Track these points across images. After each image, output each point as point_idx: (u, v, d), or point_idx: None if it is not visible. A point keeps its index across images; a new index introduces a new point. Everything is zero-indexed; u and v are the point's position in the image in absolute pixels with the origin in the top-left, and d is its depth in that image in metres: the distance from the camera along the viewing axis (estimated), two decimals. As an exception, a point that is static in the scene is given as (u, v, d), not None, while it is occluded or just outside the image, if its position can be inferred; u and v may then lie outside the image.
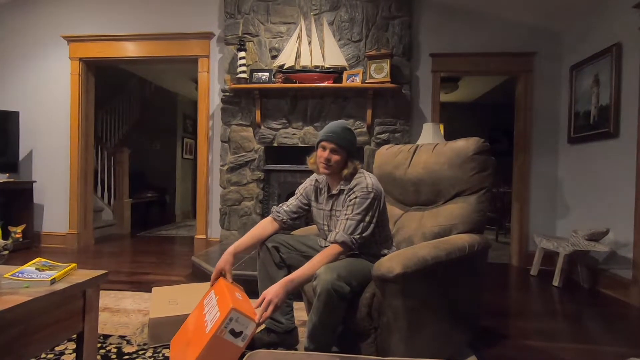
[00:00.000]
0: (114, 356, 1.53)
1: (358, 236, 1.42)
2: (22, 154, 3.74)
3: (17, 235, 3.56)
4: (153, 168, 5.83)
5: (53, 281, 1.09)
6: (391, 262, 1.27)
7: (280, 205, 1.73)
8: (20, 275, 1.11)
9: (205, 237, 3.61)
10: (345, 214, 1.46)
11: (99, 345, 1.62)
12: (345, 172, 1.53)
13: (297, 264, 1.51)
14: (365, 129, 3.25)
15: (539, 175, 3.28)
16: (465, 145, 1.65)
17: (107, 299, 2.22)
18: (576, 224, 2.91)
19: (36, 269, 1.16)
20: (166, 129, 5.93)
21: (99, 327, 1.79)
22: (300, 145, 3.32)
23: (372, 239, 1.51)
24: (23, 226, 3.55)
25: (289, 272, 1.62)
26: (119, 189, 4.65)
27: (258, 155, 3.39)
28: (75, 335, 1.17)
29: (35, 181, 3.70)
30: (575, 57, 3.05)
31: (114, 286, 2.47)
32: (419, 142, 2.97)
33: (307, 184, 1.73)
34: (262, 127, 3.36)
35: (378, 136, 3.25)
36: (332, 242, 1.44)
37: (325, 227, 1.63)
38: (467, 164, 1.60)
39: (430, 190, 1.73)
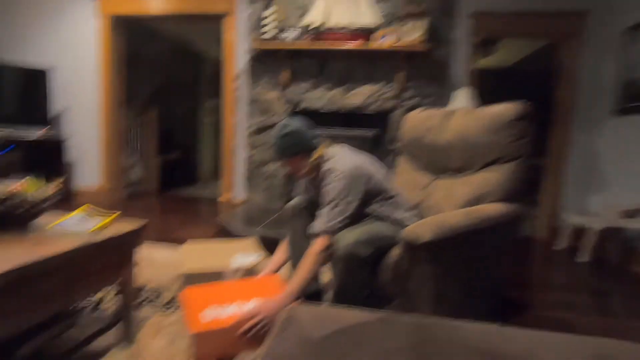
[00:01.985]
0: (148, 304, 1.63)
1: (336, 222, 1.37)
2: (56, 110, 3.84)
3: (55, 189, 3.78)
4: (178, 128, 5.92)
5: (97, 230, 1.14)
6: (421, 229, 1.26)
7: None
8: (66, 223, 1.17)
9: (229, 198, 3.70)
10: (322, 205, 1.43)
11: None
12: (312, 161, 1.48)
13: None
14: (394, 93, 3.14)
15: (577, 148, 3.12)
16: (505, 110, 1.56)
17: (140, 252, 2.34)
18: (612, 200, 2.79)
19: (82, 216, 1.21)
20: (191, 89, 5.94)
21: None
22: (327, 110, 3.26)
23: (374, 208, 1.49)
24: (58, 180, 3.76)
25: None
26: (147, 147, 4.76)
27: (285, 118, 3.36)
28: (116, 284, 1.24)
29: (67, 138, 3.83)
30: (631, 18, 2.78)
31: (147, 240, 2.59)
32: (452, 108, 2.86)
33: (297, 186, 1.76)
34: (289, 89, 3.30)
35: (408, 101, 3.14)
36: (312, 234, 1.41)
37: None
38: (506, 130, 1.53)
39: (464, 157, 1.68)
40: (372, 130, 3.14)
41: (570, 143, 3.13)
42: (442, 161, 1.79)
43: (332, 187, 1.40)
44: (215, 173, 6.08)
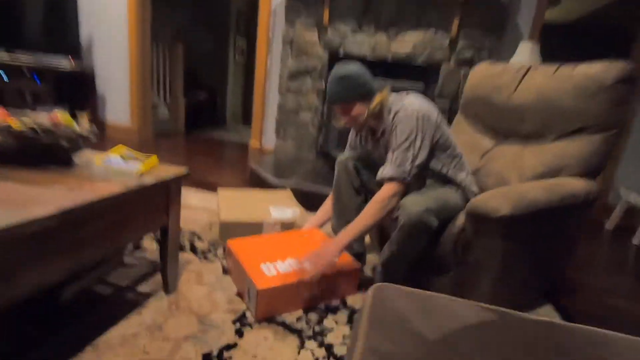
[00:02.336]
0: (188, 249, 1.59)
1: (409, 166, 1.25)
2: (83, 40, 3.67)
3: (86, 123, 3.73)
4: (204, 68, 5.68)
5: (141, 173, 1.04)
6: (497, 201, 1.11)
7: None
8: (108, 163, 1.07)
9: (259, 145, 3.58)
10: (391, 147, 1.29)
11: (172, 237, 1.68)
12: (373, 108, 1.31)
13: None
14: (445, 43, 2.83)
15: (644, 119, 2.81)
16: (602, 70, 1.33)
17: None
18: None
19: (121, 158, 1.12)
20: (219, 26, 5.60)
21: (171, 220, 1.85)
22: (369, 58, 2.98)
23: (441, 164, 1.35)
24: (89, 114, 3.69)
25: (367, 201, 1.52)
26: (173, 86, 4.61)
27: (322, 64, 3.11)
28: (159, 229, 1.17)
29: (95, 69, 3.69)
30: None
31: (178, 182, 2.54)
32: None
33: (351, 136, 1.59)
34: (329, 29, 3.02)
35: (461, 52, 2.83)
36: (380, 180, 1.30)
37: None
38: (602, 94, 1.31)
39: (540, 121, 1.48)
40: (420, 84, 2.88)
41: (635, 113, 2.81)
42: (510, 125, 1.59)
43: (402, 128, 1.26)
44: (243, 117, 5.94)
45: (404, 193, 1.28)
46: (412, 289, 0.75)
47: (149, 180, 1.02)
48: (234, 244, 1.40)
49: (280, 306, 1.22)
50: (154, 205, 1.09)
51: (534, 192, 1.16)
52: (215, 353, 1.02)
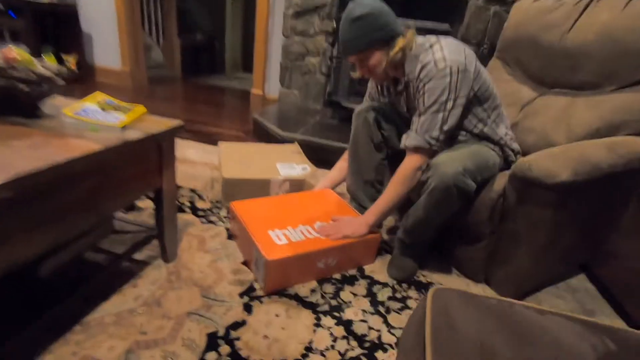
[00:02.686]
0: (187, 209, 1.44)
1: (437, 132, 1.06)
2: (61, -32, 3.24)
3: (72, 65, 3.42)
4: (200, 8, 5.19)
5: (124, 127, 0.85)
6: (553, 164, 0.93)
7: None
8: (84, 113, 0.88)
9: (262, 93, 3.32)
10: (418, 108, 1.10)
11: (170, 195, 1.53)
12: (394, 55, 1.09)
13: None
14: (477, -25, 2.45)
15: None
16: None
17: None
18: None
19: (100, 107, 0.92)
20: (215, -44, 5.01)
21: (168, 177, 1.69)
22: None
23: (476, 120, 1.15)
24: (75, 56, 3.38)
25: (388, 158, 1.34)
26: (166, 24, 4.21)
27: (331, 0, 2.75)
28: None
29: (78, 3, 3.31)
30: None
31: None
32: None
33: (370, 87, 1.37)
34: (342, -41, 2.62)
35: (493, -13, 2.47)
36: (403, 149, 1.12)
37: None
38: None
39: (599, 67, 1.24)
40: (446, 25, 2.55)
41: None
42: (560, 71, 1.36)
43: (431, 88, 1.04)
44: (243, 63, 5.54)
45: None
46: (482, 296, 0.59)
47: (134, 135, 0.83)
48: (239, 207, 1.25)
49: (292, 278, 1.09)
50: (142, 165, 0.91)
51: (597, 154, 0.97)
52: (221, 332, 0.90)
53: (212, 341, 0.88)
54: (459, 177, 1.00)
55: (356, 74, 1.21)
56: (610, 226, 1.30)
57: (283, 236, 1.12)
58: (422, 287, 1.19)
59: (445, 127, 1.06)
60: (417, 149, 1.09)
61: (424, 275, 1.25)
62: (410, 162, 1.11)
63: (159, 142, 0.94)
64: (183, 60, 4.38)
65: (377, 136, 1.28)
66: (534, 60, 1.44)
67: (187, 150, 2.08)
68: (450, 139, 1.12)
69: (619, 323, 1.15)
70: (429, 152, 1.09)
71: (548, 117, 1.35)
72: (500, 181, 1.10)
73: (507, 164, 1.21)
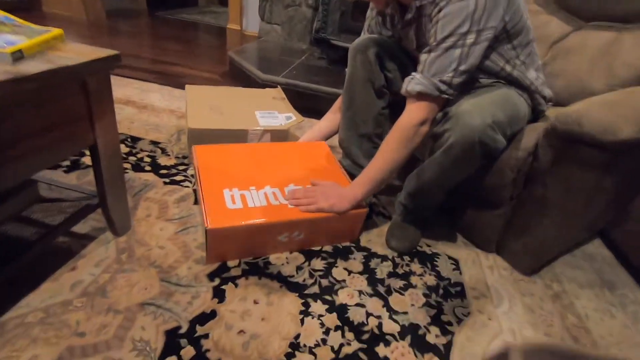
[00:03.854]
0: (147, 167, 1.20)
1: (450, 75, 0.80)
2: None
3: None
4: None
5: (18, 54, 0.57)
6: (612, 117, 0.72)
7: None
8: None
9: (239, 28, 2.91)
10: (429, 45, 0.82)
11: (127, 150, 1.27)
12: None
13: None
14: None
15: None
16: None
17: (129, 89, 1.79)
18: None
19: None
20: None
21: (125, 126, 1.41)
22: None
23: (504, 61, 0.90)
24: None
25: (389, 105, 1.09)
26: (125, -55, 3.57)
27: None
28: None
29: None
30: None
31: (137, 74, 2.00)
32: None
33: (369, 18, 1.08)
34: None
35: None
36: (405, 95, 0.87)
37: None
38: None
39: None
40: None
41: None
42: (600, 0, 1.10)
43: (450, 12, 0.77)
44: (217, -6, 4.92)
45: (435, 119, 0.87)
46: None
47: (33, 67, 0.56)
48: (201, 153, 1.03)
49: (243, 251, 0.90)
50: (59, 113, 0.65)
51: (665, 104, 0.76)
52: (184, 328, 0.72)
53: (172, 341, 0.69)
54: (486, 132, 0.78)
55: None
56: (637, 188, 1.13)
57: (240, 198, 0.90)
58: (427, 260, 1.02)
59: (462, 68, 0.80)
60: (422, 97, 0.84)
61: (428, 245, 1.08)
62: (412, 115, 0.85)
63: (83, 80, 0.66)
64: (147, -10, 3.81)
65: (379, 78, 1.02)
66: (571, -15, 1.16)
67: (150, 95, 1.77)
68: (465, 85, 0.87)
69: (641, 296, 1.03)
70: (438, 101, 0.84)
71: (584, 58, 1.11)
72: (530, 137, 0.89)
73: (534, 114, 0.99)
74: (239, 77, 2.09)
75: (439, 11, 0.79)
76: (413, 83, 0.84)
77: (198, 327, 0.72)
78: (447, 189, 0.95)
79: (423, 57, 0.84)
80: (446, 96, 0.83)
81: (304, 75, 1.97)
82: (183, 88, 1.85)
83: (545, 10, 1.25)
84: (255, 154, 1.08)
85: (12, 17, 0.69)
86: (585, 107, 0.76)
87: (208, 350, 0.69)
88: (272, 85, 1.81)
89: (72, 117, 0.67)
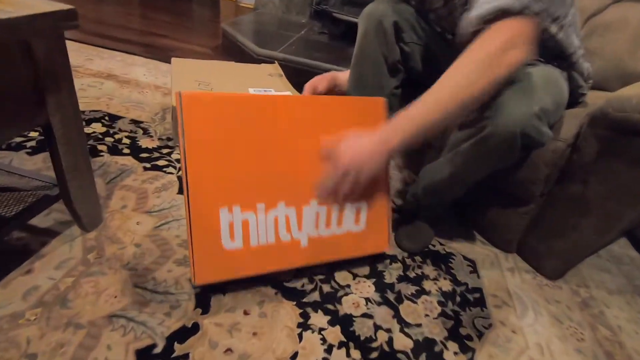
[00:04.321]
0: (126, 149, 1.06)
1: None
2: None
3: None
4: None
5: None
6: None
7: None
8: None
9: (234, -1, 2.70)
10: None
11: (104, 129, 1.12)
12: None
13: (429, 72, 0.83)
14: None
15: None
16: None
17: (112, 62, 1.63)
18: None
19: None
20: None
21: (103, 103, 1.26)
22: None
23: (554, 19, 0.72)
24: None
25: (401, 85, 0.95)
26: None
27: None
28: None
29: None
30: None
31: (120, 46, 1.83)
32: None
33: None
34: None
35: None
36: (476, 20, 0.62)
37: (450, 36, 0.87)
38: None
39: None
40: None
41: None
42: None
43: None
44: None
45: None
46: None
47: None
48: (192, 114, 0.61)
49: (239, 270, 0.69)
50: (8, 74, 0.51)
51: None
52: (160, 347, 0.60)
53: (145, 363, 0.57)
54: (532, 122, 0.64)
55: None
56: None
57: (240, 229, 0.66)
58: (441, 261, 0.91)
59: None
60: (501, 15, 0.58)
61: (441, 244, 0.96)
62: (493, 37, 0.58)
63: (27, 43, 0.52)
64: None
65: (394, 51, 0.88)
66: (618, -53, 1.01)
67: (134, 69, 1.60)
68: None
69: (673, 303, 0.93)
70: (524, 24, 0.58)
71: (625, 35, 0.97)
72: (571, 125, 0.76)
73: (571, 97, 0.86)
74: (233, 52, 1.92)
75: None
76: (481, 5, 0.60)
77: (176, 346, 0.61)
78: (471, 185, 0.83)
79: None
80: (533, 14, 0.59)
81: (303, 50, 1.81)
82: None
83: (580, -21, 1.10)
84: (274, 119, 0.67)
85: None
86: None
87: (188, 374, 0.57)
88: (269, 61, 1.65)
89: (13, 89, 0.53)
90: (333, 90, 0.94)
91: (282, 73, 1.41)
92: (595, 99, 0.83)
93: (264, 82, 1.29)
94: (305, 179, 0.70)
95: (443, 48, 0.88)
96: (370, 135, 0.63)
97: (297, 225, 0.70)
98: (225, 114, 0.63)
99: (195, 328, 0.64)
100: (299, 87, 1.34)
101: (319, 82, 0.89)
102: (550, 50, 0.77)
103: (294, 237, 0.71)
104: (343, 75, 0.95)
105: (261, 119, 0.66)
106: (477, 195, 0.96)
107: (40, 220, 0.76)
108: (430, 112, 0.60)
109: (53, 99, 0.58)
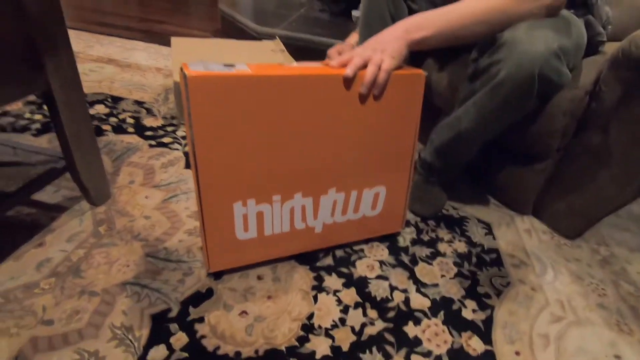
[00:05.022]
0: (130, 129, 1.05)
1: None
2: None
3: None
4: None
5: None
6: None
7: None
8: None
9: (231, -18, 2.65)
10: None
11: (107, 110, 1.11)
12: None
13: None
14: None
15: None
16: None
17: (111, 47, 1.61)
18: None
19: None
20: None
21: (105, 86, 1.25)
22: None
23: None
24: None
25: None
26: None
27: None
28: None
29: None
30: None
31: (120, 32, 1.81)
32: None
33: None
34: None
35: None
36: None
37: None
38: None
39: None
40: None
41: None
42: None
43: None
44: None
45: None
46: None
47: None
48: (201, 101, 0.51)
49: (252, 257, 0.68)
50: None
51: None
52: (175, 311, 0.59)
53: (160, 327, 0.57)
54: (550, 61, 0.61)
55: None
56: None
57: (255, 220, 0.62)
58: (455, 224, 0.89)
59: None
60: None
61: (454, 208, 0.94)
62: None
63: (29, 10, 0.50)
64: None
65: (401, 9, 0.84)
66: None
67: (134, 53, 1.59)
68: None
69: (698, 259, 0.90)
70: None
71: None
72: (589, 71, 0.73)
73: (589, 46, 0.82)
74: (233, 33, 1.89)
75: None
76: None
77: (191, 310, 0.60)
78: (485, 142, 0.80)
79: None
80: None
81: (304, 27, 1.77)
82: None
83: None
84: (295, 101, 0.56)
85: None
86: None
87: (204, 336, 0.56)
88: (269, 38, 1.62)
89: (5, 47, 0.52)
90: None
91: (284, 48, 1.38)
92: (614, 49, 0.79)
93: (267, 57, 1.27)
94: (324, 167, 0.63)
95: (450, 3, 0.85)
96: (395, 29, 0.64)
97: (313, 215, 0.68)
98: (237, 96, 0.52)
99: (209, 293, 0.63)
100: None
101: (342, 48, 0.85)
102: None
103: (309, 225, 0.69)
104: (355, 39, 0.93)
105: (283, 104, 0.55)
106: (490, 156, 0.93)
107: (49, 197, 0.76)
108: (457, 20, 0.63)
109: (51, 61, 0.57)
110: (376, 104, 0.62)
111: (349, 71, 0.55)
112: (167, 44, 1.72)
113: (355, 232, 0.76)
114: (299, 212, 0.66)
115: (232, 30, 1.91)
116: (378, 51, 0.59)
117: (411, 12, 0.85)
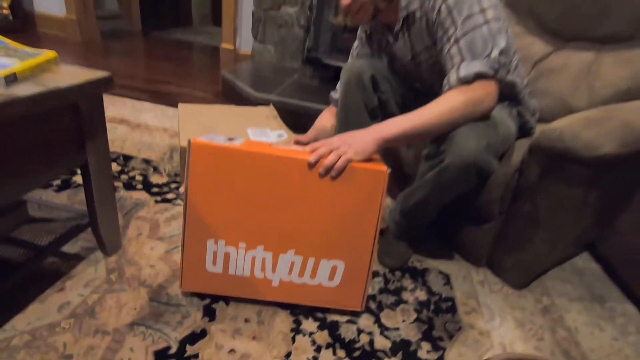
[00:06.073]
0: (139, 185, 1.20)
1: (496, 52, 0.76)
2: None
3: (4, 11, 2.91)
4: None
5: (12, 78, 0.59)
6: (594, 133, 0.74)
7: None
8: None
9: (233, 47, 2.96)
10: (448, 40, 0.80)
11: (119, 168, 1.27)
12: (384, 4, 0.87)
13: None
14: None
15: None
16: None
17: (123, 108, 1.81)
18: None
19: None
20: None
21: (117, 145, 1.42)
22: None
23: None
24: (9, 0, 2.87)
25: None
26: (121, -32, 3.66)
27: (310, -63, 2.38)
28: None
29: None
30: None
31: (131, 93, 2.03)
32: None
33: (360, 37, 1.12)
34: None
35: None
36: (458, 81, 0.78)
37: (418, 85, 1.06)
38: None
39: (633, 13, 1.04)
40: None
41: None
42: (584, 19, 1.15)
43: (458, 1, 0.77)
44: (214, 15, 5.02)
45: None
46: None
47: (26, 89, 0.57)
48: (199, 163, 0.70)
49: (217, 289, 0.81)
50: (52, 133, 0.66)
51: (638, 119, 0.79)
52: (174, 349, 0.71)
53: (161, 362, 0.68)
54: (481, 154, 0.79)
55: (337, 19, 0.96)
56: (623, 202, 1.16)
57: (222, 258, 0.77)
58: (418, 275, 1.02)
59: (500, 44, 0.76)
60: (478, 78, 0.76)
61: (419, 261, 1.08)
62: (476, 88, 0.77)
63: (75, 102, 0.68)
64: (142, 11, 3.87)
65: (372, 100, 1.04)
66: (552, 7, 1.21)
67: (143, 114, 1.78)
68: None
69: (630, 308, 1.04)
70: (494, 86, 0.78)
71: (566, 77, 1.15)
72: (518, 153, 0.92)
73: (522, 131, 1.02)
74: (232, 96, 2.12)
75: (441, 5, 0.79)
76: (464, 69, 0.77)
77: (188, 347, 0.72)
78: (440, 208, 0.96)
79: (453, 50, 0.79)
80: (500, 78, 0.79)
81: (296, 93, 2.00)
82: (176, 107, 1.87)
83: (528, 32, 1.30)
84: (274, 177, 0.72)
85: (5, 39, 0.70)
86: (567, 124, 0.79)
87: (198, 371, 0.68)
88: (265, 103, 1.83)
89: (63, 138, 0.68)
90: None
91: (277, 114, 1.58)
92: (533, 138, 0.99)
93: (261, 122, 1.46)
94: (288, 230, 0.76)
95: (413, 95, 1.06)
96: (363, 130, 0.78)
97: (272, 268, 0.78)
98: (228, 165, 0.70)
99: (203, 333, 0.75)
100: (292, 126, 1.51)
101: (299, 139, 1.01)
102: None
103: (267, 276, 0.79)
104: (325, 123, 1.13)
105: (261, 175, 0.71)
106: (450, 216, 1.09)
107: (69, 247, 0.89)
108: (410, 126, 0.78)
109: (92, 144, 0.73)
110: (337, 189, 0.72)
111: (311, 158, 0.71)
112: (173, 104, 1.93)
113: (313, 297, 0.82)
114: (260, 262, 0.77)
115: (231, 93, 2.14)
116: (346, 145, 0.74)
117: (380, 101, 1.05)
